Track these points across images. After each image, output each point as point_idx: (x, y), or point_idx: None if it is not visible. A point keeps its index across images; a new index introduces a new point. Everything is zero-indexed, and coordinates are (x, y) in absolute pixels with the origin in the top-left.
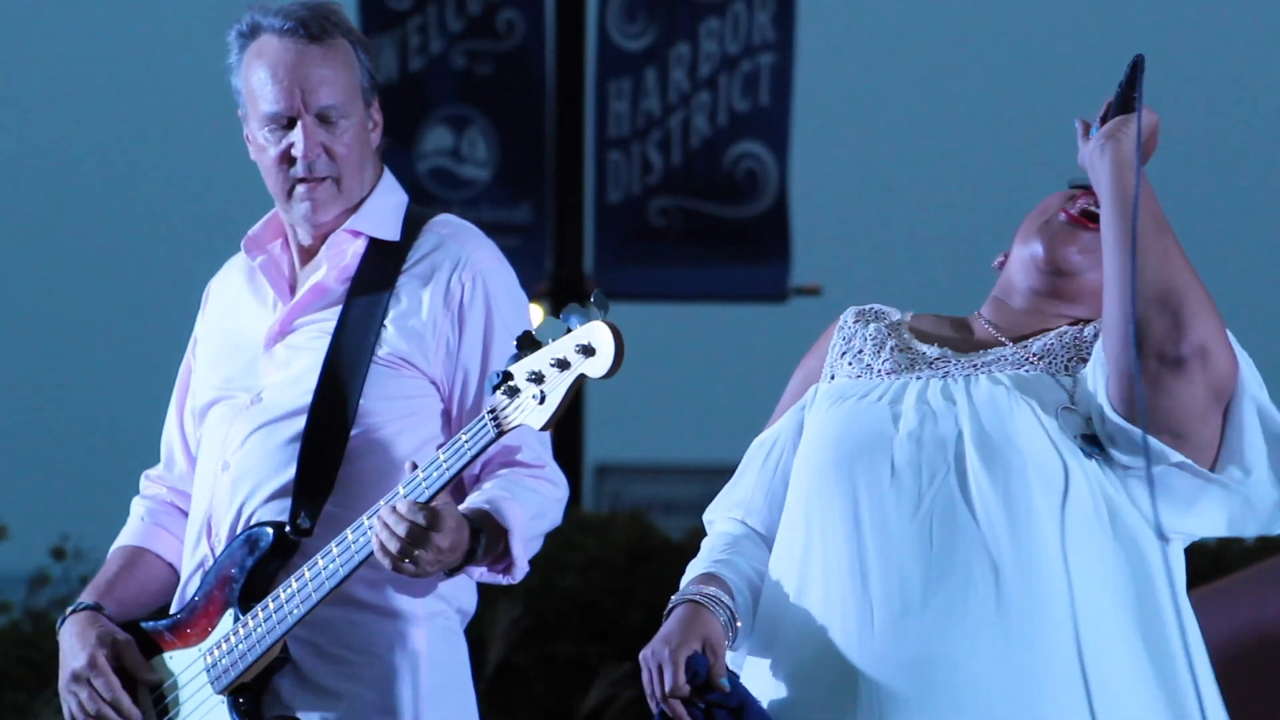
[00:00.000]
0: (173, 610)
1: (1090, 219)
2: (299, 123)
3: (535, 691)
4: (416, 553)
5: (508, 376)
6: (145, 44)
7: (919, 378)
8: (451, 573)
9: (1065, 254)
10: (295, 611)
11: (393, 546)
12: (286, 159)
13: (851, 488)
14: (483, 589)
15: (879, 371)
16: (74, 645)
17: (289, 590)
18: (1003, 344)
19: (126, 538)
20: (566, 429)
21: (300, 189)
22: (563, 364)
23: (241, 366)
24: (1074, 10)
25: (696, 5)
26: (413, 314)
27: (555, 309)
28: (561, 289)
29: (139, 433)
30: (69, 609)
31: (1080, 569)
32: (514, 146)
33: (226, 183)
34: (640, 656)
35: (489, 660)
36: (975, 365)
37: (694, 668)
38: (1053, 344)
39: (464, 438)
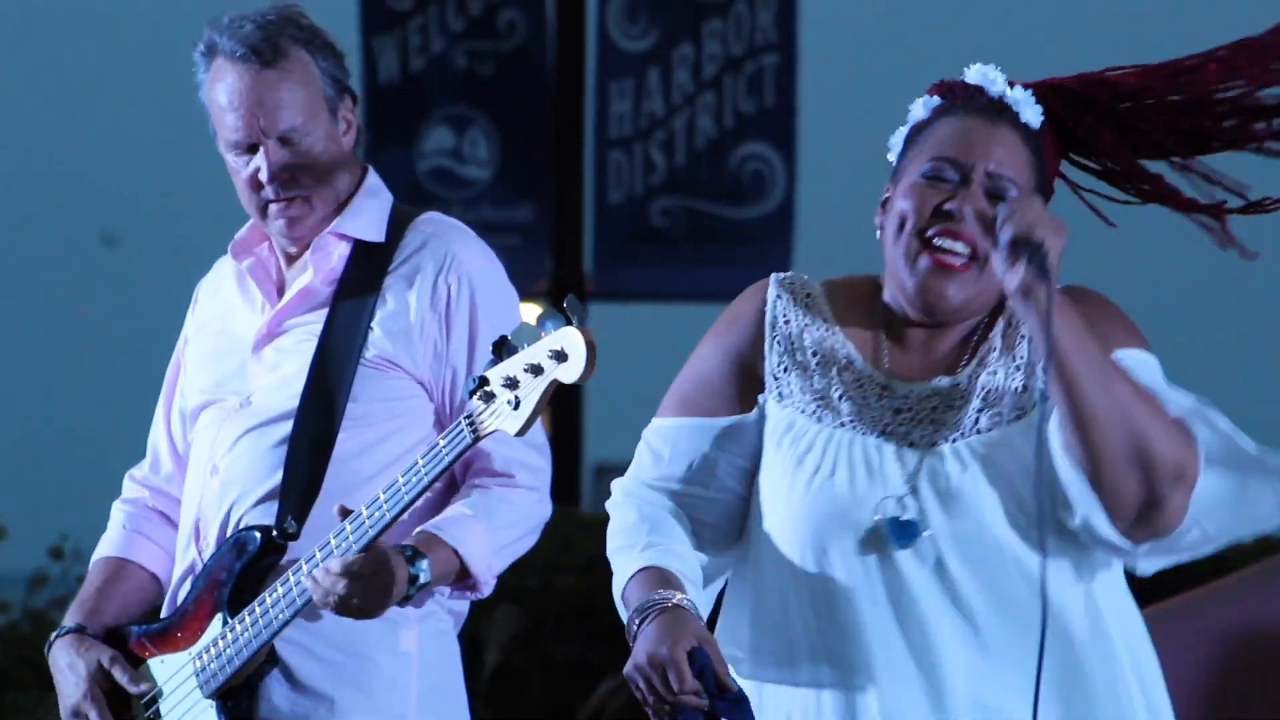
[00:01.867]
0: (163, 614)
1: (957, 256)
2: (261, 148)
3: (534, 693)
4: (354, 601)
5: (484, 382)
6: (144, 47)
7: (881, 437)
8: (404, 601)
9: (942, 304)
10: (281, 615)
11: (329, 603)
12: (255, 183)
13: (829, 573)
14: None
15: (837, 419)
16: (67, 679)
17: (275, 594)
18: (937, 376)
19: (107, 548)
20: (566, 429)
21: (273, 208)
22: (536, 369)
23: (231, 369)
24: (1077, 9)
25: (698, 5)
26: (399, 315)
27: (555, 309)
28: (561, 288)
29: (137, 434)
30: (54, 634)
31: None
32: (515, 146)
33: (223, 185)
34: (632, 667)
35: (487, 662)
36: (931, 421)
37: (698, 662)
38: (992, 381)
39: (441, 443)
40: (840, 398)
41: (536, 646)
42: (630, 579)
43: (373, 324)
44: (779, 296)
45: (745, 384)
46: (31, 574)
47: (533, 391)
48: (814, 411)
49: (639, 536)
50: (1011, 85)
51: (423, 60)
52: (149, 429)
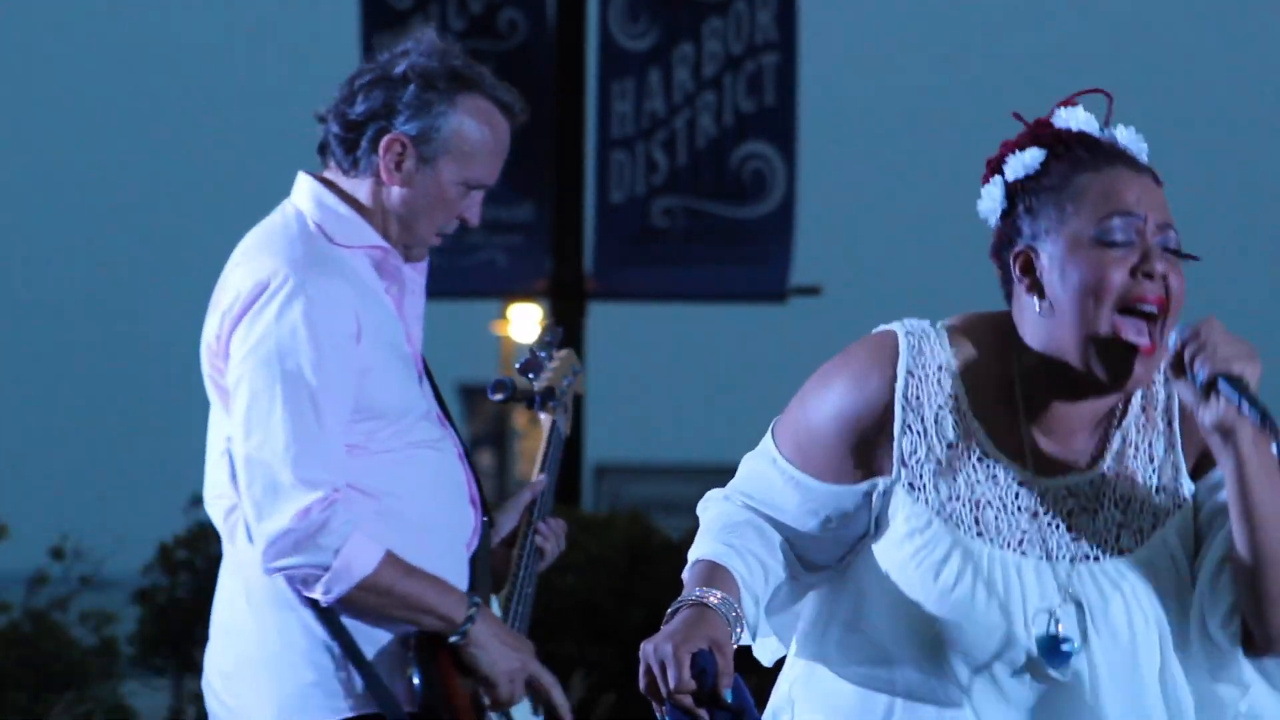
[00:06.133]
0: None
1: (1147, 335)
2: (479, 194)
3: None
4: None
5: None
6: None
7: (1020, 550)
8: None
9: (1132, 384)
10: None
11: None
12: (461, 217)
13: (959, 680)
14: None
15: (975, 528)
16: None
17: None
18: (1080, 469)
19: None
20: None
21: (434, 240)
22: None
23: (415, 384)
24: (1081, 9)
25: (698, 5)
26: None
27: (554, 308)
28: (561, 288)
29: (139, 432)
30: None
31: None
32: (516, 145)
33: (222, 187)
34: (641, 650)
35: None
36: (1069, 527)
37: (701, 665)
38: (1130, 489)
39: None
40: (978, 504)
41: (537, 645)
42: (690, 569)
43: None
44: (910, 372)
45: (863, 455)
46: (32, 574)
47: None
48: (950, 514)
49: (715, 531)
50: (1107, 123)
51: None
52: (148, 431)
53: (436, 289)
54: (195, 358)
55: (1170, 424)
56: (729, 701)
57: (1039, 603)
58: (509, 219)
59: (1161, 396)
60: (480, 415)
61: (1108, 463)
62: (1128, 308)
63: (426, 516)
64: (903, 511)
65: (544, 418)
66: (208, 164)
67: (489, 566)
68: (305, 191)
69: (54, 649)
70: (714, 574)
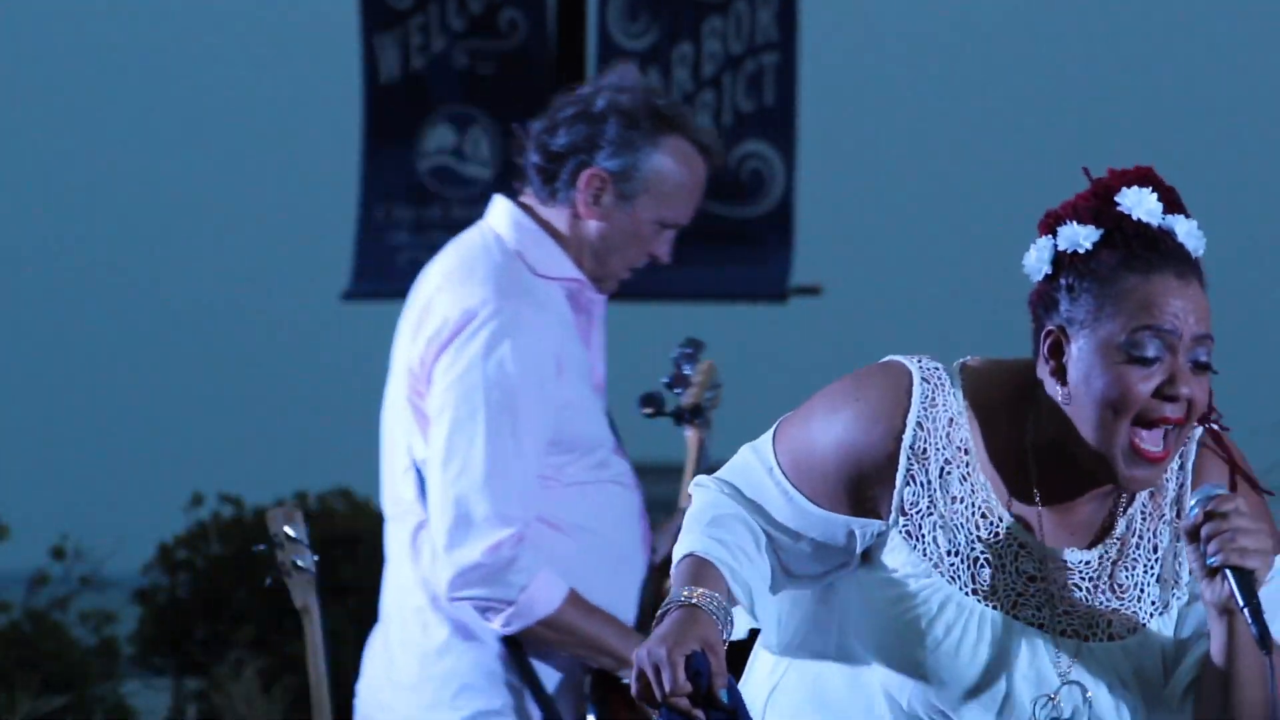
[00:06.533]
0: None
1: (1162, 447)
2: (672, 233)
3: None
4: None
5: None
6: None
7: (1014, 614)
8: None
9: (1142, 486)
10: None
11: None
12: (652, 256)
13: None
14: None
15: (971, 584)
16: None
17: None
18: (1081, 545)
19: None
20: None
21: (625, 275)
22: None
23: (603, 417)
24: (1081, 10)
25: (698, 4)
26: None
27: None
28: None
29: (138, 433)
30: None
31: None
32: (516, 145)
33: (220, 188)
34: (635, 657)
35: None
36: (1063, 599)
37: (694, 666)
38: (1129, 577)
39: None
40: (976, 561)
41: None
42: (677, 566)
43: None
44: (920, 424)
45: (861, 492)
46: (32, 574)
47: None
48: (948, 568)
49: (704, 524)
50: (1168, 211)
51: (424, 59)
52: (148, 433)
53: None
54: (196, 357)
55: (1180, 515)
56: (724, 702)
57: (1027, 669)
58: None
59: (1172, 487)
60: None
61: (1109, 546)
62: (1146, 422)
63: (612, 550)
64: (898, 558)
65: (689, 434)
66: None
67: (651, 597)
68: (504, 215)
69: (54, 649)
70: (702, 570)
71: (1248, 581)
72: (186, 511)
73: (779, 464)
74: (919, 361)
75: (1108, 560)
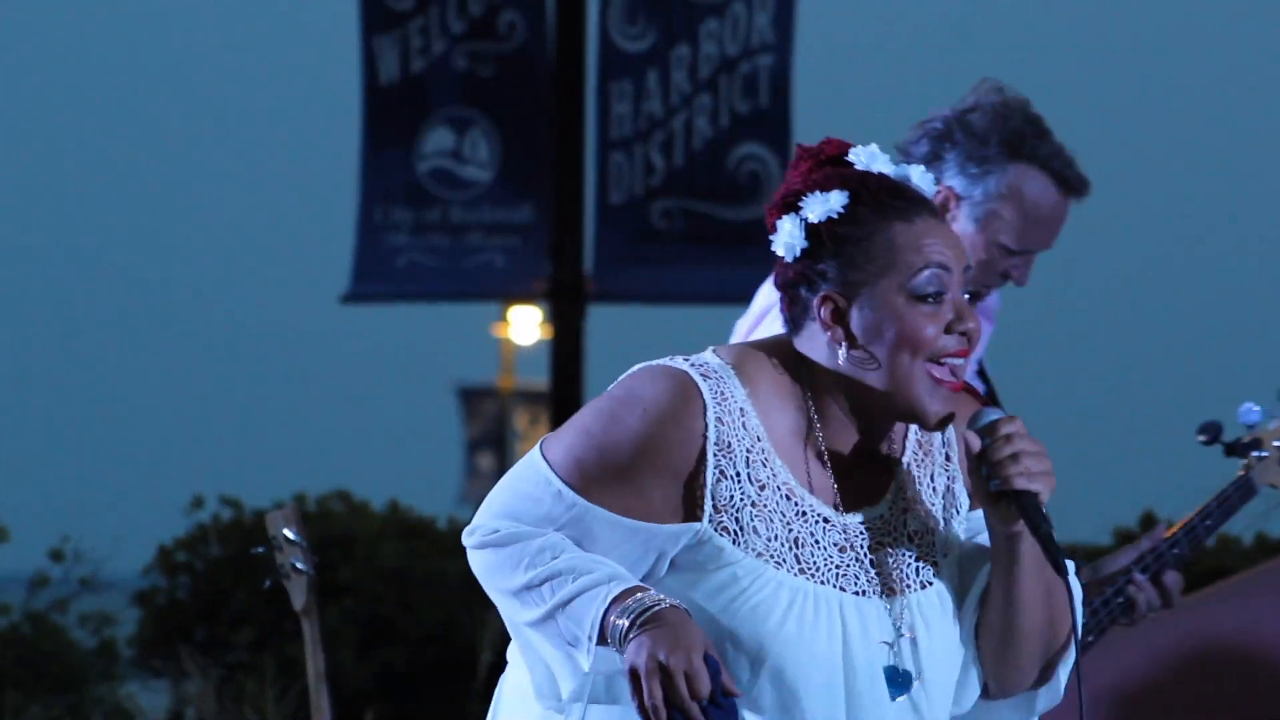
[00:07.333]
0: None
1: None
2: (1026, 259)
3: None
4: None
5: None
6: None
7: (838, 586)
8: None
9: (949, 422)
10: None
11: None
12: (1003, 277)
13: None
14: (478, 595)
15: (795, 566)
16: None
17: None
18: (872, 504)
19: None
20: None
21: (983, 291)
22: None
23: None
24: (1074, 11)
25: (696, 6)
26: None
27: (554, 310)
28: (560, 290)
29: (139, 435)
30: None
31: None
32: (516, 147)
33: (220, 188)
34: (655, 663)
35: (482, 661)
36: (874, 563)
37: (712, 668)
38: (917, 523)
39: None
40: (796, 541)
41: None
42: (608, 588)
43: None
44: (719, 419)
45: (669, 493)
46: (32, 576)
47: None
48: (773, 554)
49: (583, 559)
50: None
51: (423, 61)
52: (151, 434)
53: (436, 292)
54: (197, 360)
55: (949, 458)
56: (739, 693)
57: (862, 636)
58: (508, 221)
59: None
60: (480, 417)
61: (895, 498)
62: (939, 358)
63: None
64: (719, 559)
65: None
66: (204, 166)
67: None
68: None
69: (53, 651)
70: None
71: (1035, 504)
72: (186, 514)
73: (567, 484)
74: (687, 361)
75: (898, 511)
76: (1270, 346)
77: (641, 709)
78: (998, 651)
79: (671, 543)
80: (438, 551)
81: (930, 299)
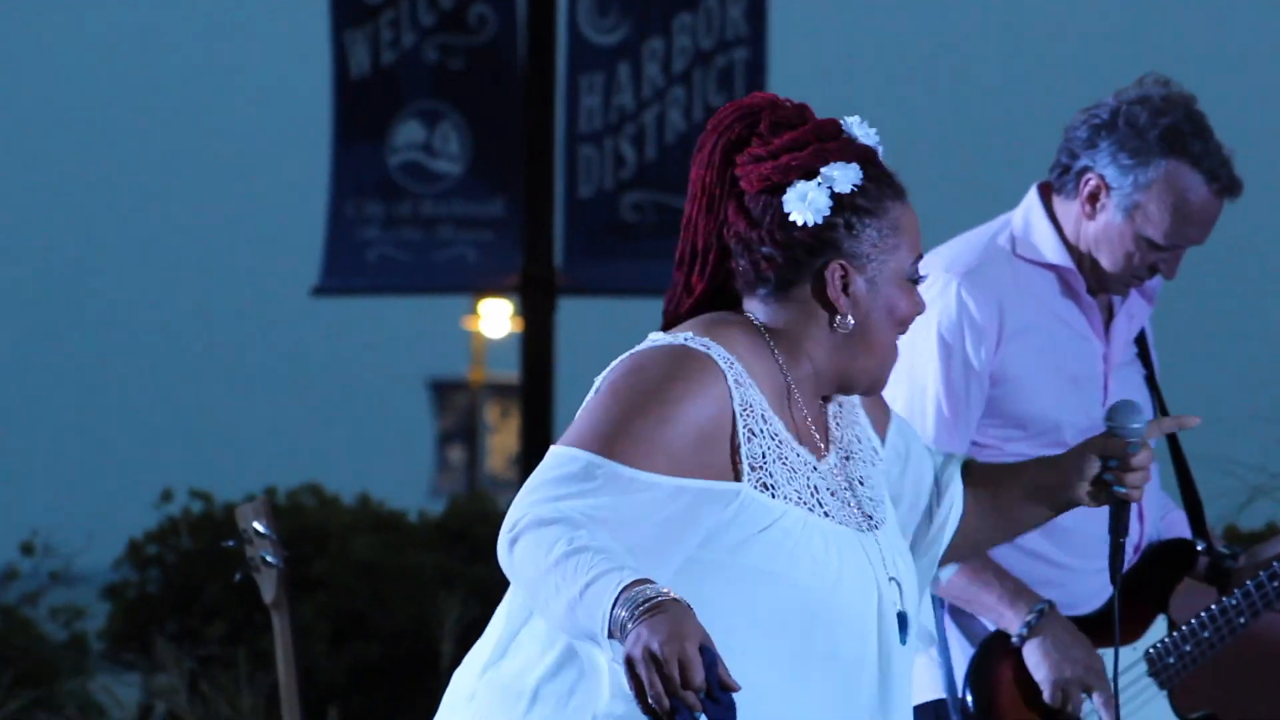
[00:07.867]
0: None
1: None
2: (1175, 253)
3: None
4: None
5: None
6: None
7: (842, 523)
8: None
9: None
10: (1242, 619)
11: None
12: (1148, 270)
13: (831, 663)
14: (447, 588)
15: (822, 509)
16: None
17: (1233, 600)
18: (821, 454)
19: None
20: (537, 424)
21: (1128, 281)
22: None
23: (1075, 400)
24: (1059, 8)
25: None
26: None
27: (525, 304)
28: (531, 284)
29: (109, 428)
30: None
31: None
32: (486, 141)
33: (190, 183)
34: (650, 652)
35: (444, 655)
36: (846, 503)
37: (710, 659)
38: (861, 470)
39: None
40: (815, 489)
41: None
42: (621, 576)
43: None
44: (736, 381)
45: (707, 458)
46: (2, 569)
47: None
48: (803, 501)
49: (611, 552)
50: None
51: (394, 54)
52: (118, 428)
53: (407, 285)
54: (166, 353)
55: (858, 406)
56: (738, 687)
57: (872, 574)
58: (479, 214)
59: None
60: (451, 410)
61: (838, 447)
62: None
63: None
64: (766, 514)
65: None
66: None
67: (1162, 583)
68: (1027, 198)
69: (24, 644)
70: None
71: (1128, 514)
72: (157, 507)
73: (613, 457)
74: (685, 338)
75: (842, 458)
76: (1270, 346)
77: (639, 699)
78: (957, 552)
79: (717, 503)
80: (410, 545)
81: (918, 282)
